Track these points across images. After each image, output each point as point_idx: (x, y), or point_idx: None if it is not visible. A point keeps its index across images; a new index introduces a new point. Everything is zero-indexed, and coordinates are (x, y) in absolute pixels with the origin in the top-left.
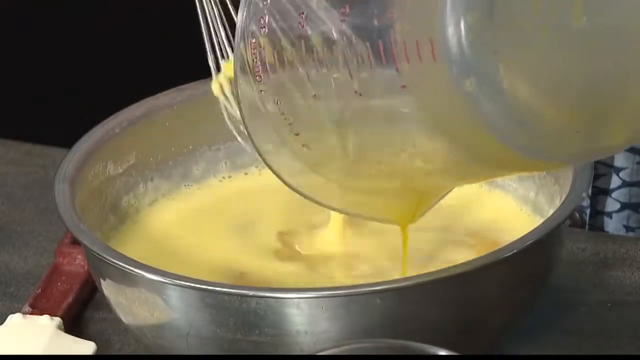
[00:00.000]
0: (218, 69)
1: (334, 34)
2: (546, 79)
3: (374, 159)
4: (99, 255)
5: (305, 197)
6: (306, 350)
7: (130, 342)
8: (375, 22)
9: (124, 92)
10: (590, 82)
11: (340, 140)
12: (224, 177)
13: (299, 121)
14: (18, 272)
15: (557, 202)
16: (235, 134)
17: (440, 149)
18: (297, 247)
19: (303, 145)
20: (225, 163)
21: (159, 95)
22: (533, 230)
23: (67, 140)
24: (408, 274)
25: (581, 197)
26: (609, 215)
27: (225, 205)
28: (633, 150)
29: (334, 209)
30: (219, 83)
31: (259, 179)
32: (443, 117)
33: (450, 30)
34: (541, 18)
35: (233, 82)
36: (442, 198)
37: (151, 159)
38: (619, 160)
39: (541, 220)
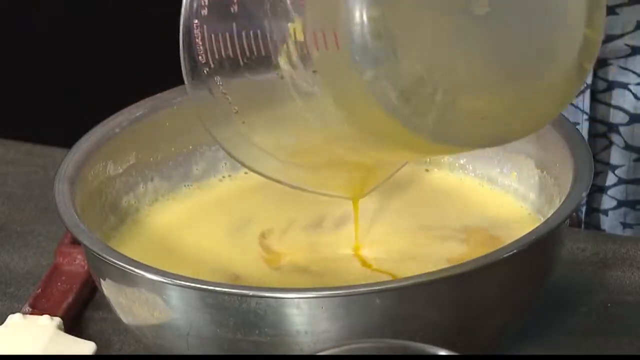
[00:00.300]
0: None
1: (258, 22)
2: (449, 66)
3: (304, 136)
4: (99, 255)
5: (254, 171)
6: (306, 350)
7: (130, 342)
8: (292, 10)
9: (124, 92)
10: (492, 68)
11: (271, 116)
12: (224, 177)
13: (236, 99)
14: (18, 272)
15: (557, 202)
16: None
17: (352, 132)
18: (291, 248)
19: (243, 122)
20: (225, 163)
21: (159, 95)
22: (533, 230)
23: (67, 140)
24: (409, 274)
25: (581, 197)
26: (605, 212)
27: (225, 205)
28: (630, 148)
29: (284, 184)
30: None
31: (259, 179)
32: (350, 102)
33: (352, 21)
34: (443, 7)
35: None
36: (394, 173)
37: (151, 159)
38: (615, 158)
39: (541, 220)
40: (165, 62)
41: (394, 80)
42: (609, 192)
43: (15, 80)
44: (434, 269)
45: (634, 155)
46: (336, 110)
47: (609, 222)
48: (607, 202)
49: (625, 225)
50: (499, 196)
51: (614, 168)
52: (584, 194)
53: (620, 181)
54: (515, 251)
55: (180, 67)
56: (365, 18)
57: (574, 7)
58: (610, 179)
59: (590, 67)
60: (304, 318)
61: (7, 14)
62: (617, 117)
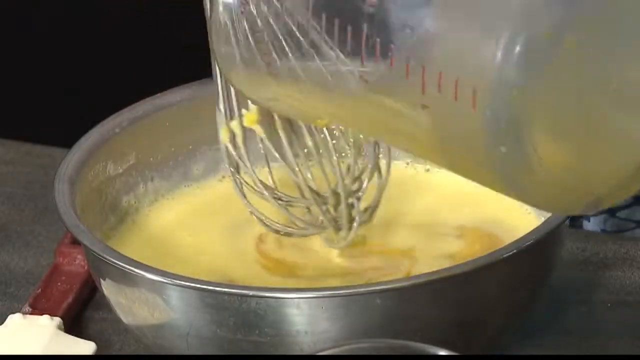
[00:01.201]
0: (231, 114)
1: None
2: (573, 138)
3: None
4: (99, 255)
5: (234, 86)
6: (306, 350)
7: (130, 342)
8: (414, 32)
9: (124, 92)
10: (591, 124)
11: (305, 94)
12: (223, 177)
13: (278, 65)
14: (18, 272)
15: None
16: (239, 194)
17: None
18: (287, 251)
19: (267, 64)
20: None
21: (159, 95)
22: (533, 230)
23: (67, 140)
24: (413, 273)
25: None
26: (587, 218)
27: (225, 205)
28: None
29: (256, 103)
30: (231, 131)
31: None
32: (455, 153)
33: (499, 97)
34: (579, 86)
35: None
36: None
37: (151, 159)
38: None
39: (541, 220)
40: (165, 62)
41: (525, 161)
42: None
43: (15, 80)
44: (434, 268)
45: None
46: (428, 139)
47: (591, 228)
48: None
49: (604, 232)
50: (499, 196)
51: None
52: None
53: None
54: (515, 251)
55: (180, 67)
56: (514, 95)
57: None
58: None
59: None
60: (304, 318)
61: (7, 14)
62: None
